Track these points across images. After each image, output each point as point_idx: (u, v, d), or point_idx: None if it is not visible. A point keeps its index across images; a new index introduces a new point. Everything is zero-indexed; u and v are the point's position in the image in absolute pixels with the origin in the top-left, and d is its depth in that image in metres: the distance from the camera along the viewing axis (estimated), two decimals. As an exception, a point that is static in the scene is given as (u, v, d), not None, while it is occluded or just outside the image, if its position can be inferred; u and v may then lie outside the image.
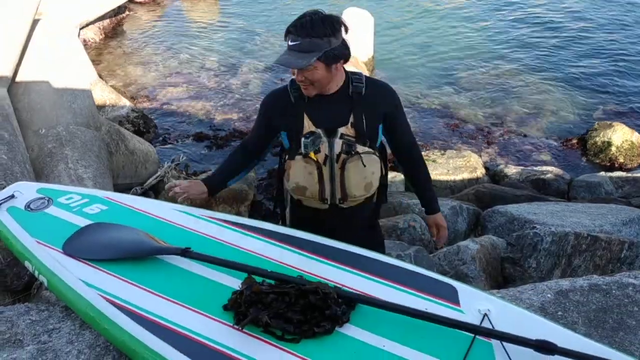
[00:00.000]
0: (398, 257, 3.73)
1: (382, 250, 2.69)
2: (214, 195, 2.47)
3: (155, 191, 6.19)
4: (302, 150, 2.16)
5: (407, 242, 4.31)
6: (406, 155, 2.47)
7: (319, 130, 2.18)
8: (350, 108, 2.21)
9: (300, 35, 2.04)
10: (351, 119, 2.21)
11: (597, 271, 3.60)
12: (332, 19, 2.10)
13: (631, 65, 9.69)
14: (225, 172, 2.47)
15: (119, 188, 5.61)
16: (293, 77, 2.21)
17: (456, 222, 4.85)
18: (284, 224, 2.60)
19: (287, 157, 2.28)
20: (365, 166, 2.20)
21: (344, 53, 2.15)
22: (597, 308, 2.11)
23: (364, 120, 2.22)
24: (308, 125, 2.20)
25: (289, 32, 2.07)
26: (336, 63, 2.15)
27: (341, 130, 2.19)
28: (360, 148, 2.19)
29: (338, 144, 2.18)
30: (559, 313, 2.09)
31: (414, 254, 3.77)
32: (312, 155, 2.16)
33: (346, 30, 2.15)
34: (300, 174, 2.23)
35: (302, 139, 2.15)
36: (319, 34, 2.05)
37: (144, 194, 6.07)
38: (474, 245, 3.86)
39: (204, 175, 6.45)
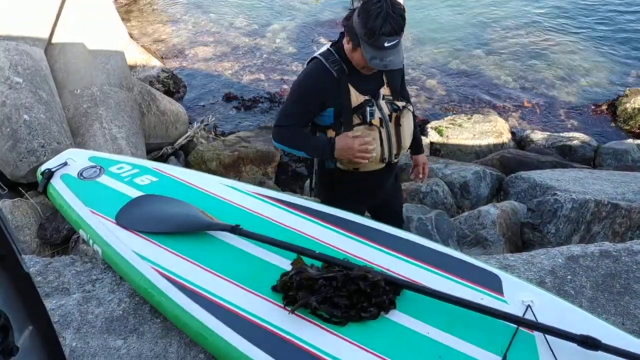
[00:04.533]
0: (419, 220, 3.85)
1: (401, 195, 2.91)
2: None
3: (185, 151, 6.35)
4: (368, 119, 2.24)
5: (429, 205, 4.41)
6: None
7: (368, 97, 2.26)
8: (381, 70, 2.26)
9: (397, 35, 2.07)
10: (385, 80, 2.32)
11: (616, 238, 3.66)
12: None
13: (668, 29, 9.42)
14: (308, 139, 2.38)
15: (150, 147, 5.80)
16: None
17: (479, 187, 4.91)
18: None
19: (338, 131, 2.27)
20: (414, 116, 2.38)
21: None
22: (605, 273, 2.21)
23: (394, 78, 2.35)
24: (355, 96, 2.24)
25: (388, 34, 2.05)
26: None
27: (381, 91, 2.30)
28: (399, 103, 2.32)
29: (383, 105, 2.28)
30: (569, 277, 2.19)
31: (435, 217, 3.87)
32: (373, 121, 2.25)
33: None
34: None
35: (368, 109, 2.23)
36: (404, 28, 2.11)
37: (174, 153, 6.25)
38: (495, 210, 3.94)
39: (232, 136, 6.59)
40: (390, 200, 2.73)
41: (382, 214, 2.56)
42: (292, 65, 8.83)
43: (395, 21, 2.05)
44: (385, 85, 2.31)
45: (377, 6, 2.04)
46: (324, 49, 2.30)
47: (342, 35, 2.25)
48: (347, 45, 2.20)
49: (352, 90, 2.23)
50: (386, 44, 2.05)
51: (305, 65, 2.35)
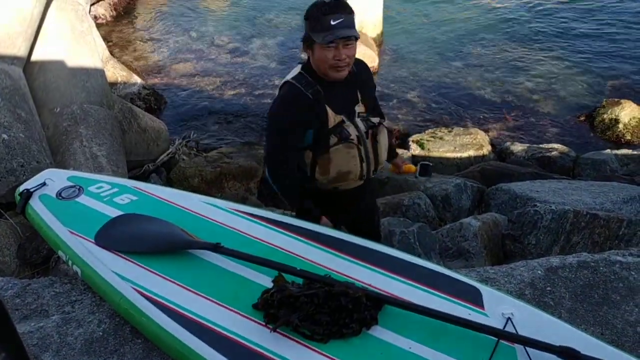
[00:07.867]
0: (402, 233, 3.86)
1: (377, 210, 2.97)
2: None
3: (167, 168, 6.32)
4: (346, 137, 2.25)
5: (412, 219, 4.43)
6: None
7: (344, 116, 2.27)
8: (355, 87, 2.32)
9: (343, 13, 2.09)
10: (359, 97, 2.33)
11: (595, 248, 3.70)
12: None
13: (642, 42, 9.63)
14: (299, 191, 2.41)
15: (132, 165, 5.76)
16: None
17: (460, 199, 4.95)
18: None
19: (316, 152, 2.28)
20: (388, 132, 2.40)
21: None
22: (584, 284, 2.23)
23: (368, 95, 2.38)
24: (332, 117, 2.25)
25: (330, 12, 2.08)
26: None
27: (357, 109, 2.32)
28: (374, 119, 2.35)
29: (360, 123, 2.30)
30: (548, 288, 2.21)
31: (417, 230, 3.89)
32: (351, 139, 2.26)
33: None
34: (343, 161, 2.28)
35: (345, 127, 2.25)
36: (352, 10, 2.14)
37: (156, 170, 6.22)
38: (476, 223, 3.97)
39: (214, 152, 6.58)
40: (366, 216, 2.74)
41: (359, 230, 2.57)
42: (273, 80, 8.87)
43: (333, 1, 2.10)
44: (359, 102, 2.33)
45: (315, 2, 2.13)
46: (295, 72, 2.29)
47: (309, 57, 2.26)
48: (311, 58, 2.21)
49: (329, 111, 2.24)
50: (332, 22, 2.06)
51: (278, 90, 2.34)
